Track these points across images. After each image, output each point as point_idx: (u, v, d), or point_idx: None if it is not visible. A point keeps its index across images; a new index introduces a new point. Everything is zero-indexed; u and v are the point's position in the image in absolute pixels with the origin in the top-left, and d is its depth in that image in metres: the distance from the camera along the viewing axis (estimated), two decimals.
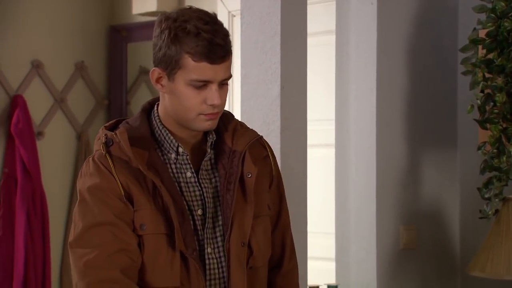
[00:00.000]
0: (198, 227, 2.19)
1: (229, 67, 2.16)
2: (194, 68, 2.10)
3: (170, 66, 2.12)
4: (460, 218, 3.70)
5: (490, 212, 3.27)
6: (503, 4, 3.19)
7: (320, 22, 3.93)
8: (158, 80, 2.17)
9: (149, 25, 4.72)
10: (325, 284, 3.36)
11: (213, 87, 2.13)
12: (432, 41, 3.63)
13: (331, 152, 3.60)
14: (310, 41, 3.39)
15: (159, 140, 2.22)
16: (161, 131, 2.21)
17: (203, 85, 2.13)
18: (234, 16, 4.34)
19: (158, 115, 2.23)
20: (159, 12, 4.58)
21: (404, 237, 3.54)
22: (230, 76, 2.17)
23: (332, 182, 3.59)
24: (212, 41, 2.09)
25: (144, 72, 4.90)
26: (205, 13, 2.15)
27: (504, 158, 3.24)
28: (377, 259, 3.44)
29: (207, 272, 2.18)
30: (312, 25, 3.56)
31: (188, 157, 2.21)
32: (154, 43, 2.15)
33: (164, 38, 2.11)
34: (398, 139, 3.55)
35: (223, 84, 2.16)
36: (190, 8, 2.16)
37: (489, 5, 3.25)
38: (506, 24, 3.18)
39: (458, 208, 3.70)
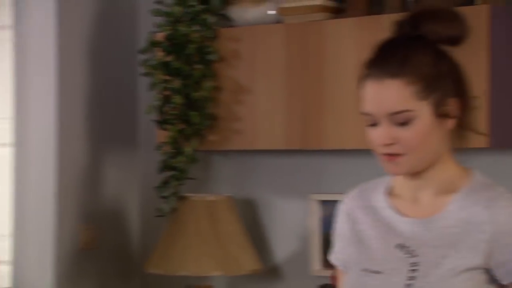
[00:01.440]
0: None
1: None
2: None
3: None
4: (140, 216, 3.77)
5: (167, 210, 3.37)
6: (179, 9, 3.30)
7: None
8: None
9: None
10: None
11: None
12: (113, 41, 3.67)
13: (8, 151, 3.52)
14: None
15: None
16: None
17: None
18: None
19: None
20: None
21: (84, 236, 3.54)
22: None
23: (8, 183, 3.51)
24: None
25: None
26: None
27: (181, 158, 3.36)
28: (55, 260, 3.41)
29: None
30: None
31: None
32: None
33: None
34: (80, 139, 3.54)
35: None
36: None
37: (167, 9, 3.35)
38: (182, 28, 3.30)
39: (138, 207, 3.77)
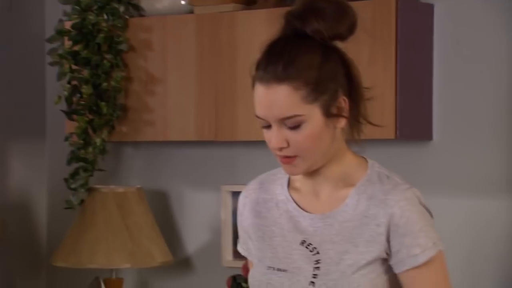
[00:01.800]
0: None
1: None
2: None
3: None
4: (48, 209, 3.70)
5: (76, 202, 3.31)
6: None
7: None
8: None
9: None
10: None
11: None
12: (19, 30, 3.58)
13: None
14: None
15: None
16: None
17: None
18: None
19: None
20: None
21: None
22: None
23: None
24: None
25: None
26: None
27: (91, 149, 3.31)
28: None
29: None
30: None
31: None
32: None
33: None
34: None
35: None
36: None
37: None
38: (90, 17, 3.24)
39: (46, 200, 3.70)
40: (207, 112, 3.15)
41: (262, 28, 3.02)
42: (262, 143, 3.22)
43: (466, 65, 2.98)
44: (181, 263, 3.48)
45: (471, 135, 2.98)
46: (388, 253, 1.71)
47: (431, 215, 1.75)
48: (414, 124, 2.95)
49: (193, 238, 3.47)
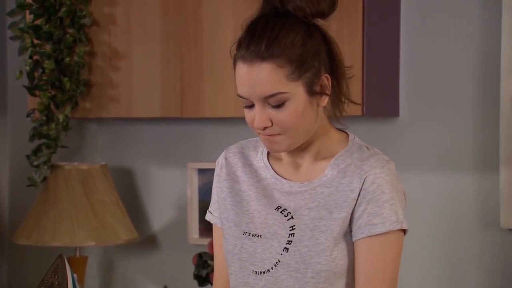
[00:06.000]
0: None
1: None
2: None
3: None
4: (10, 186, 3.65)
5: (38, 180, 3.26)
6: None
7: None
8: None
9: None
10: None
11: None
12: None
13: None
14: None
15: None
16: None
17: None
18: None
19: None
20: None
21: None
22: None
23: None
24: None
25: None
26: None
27: (53, 126, 3.25)
28: None
29: None
30: None
31: None
32: None
33: None
34: None
35: None
36: None
37: None
38: None
39: (8, 176, 3.65)
40: (173, 88, 3.10)
41: (228, 2, 2.97)
42: (228, 120, 3.20)
43: (433, 42, 2.97)
44: (147, 240, 3.45)
45: (437, 112, 2.97)
46: (351, 219, 1.70)
47: (405, 197, 1.74)
48: (381, 100, 2.93)
49: (159, 216, 3.44)
